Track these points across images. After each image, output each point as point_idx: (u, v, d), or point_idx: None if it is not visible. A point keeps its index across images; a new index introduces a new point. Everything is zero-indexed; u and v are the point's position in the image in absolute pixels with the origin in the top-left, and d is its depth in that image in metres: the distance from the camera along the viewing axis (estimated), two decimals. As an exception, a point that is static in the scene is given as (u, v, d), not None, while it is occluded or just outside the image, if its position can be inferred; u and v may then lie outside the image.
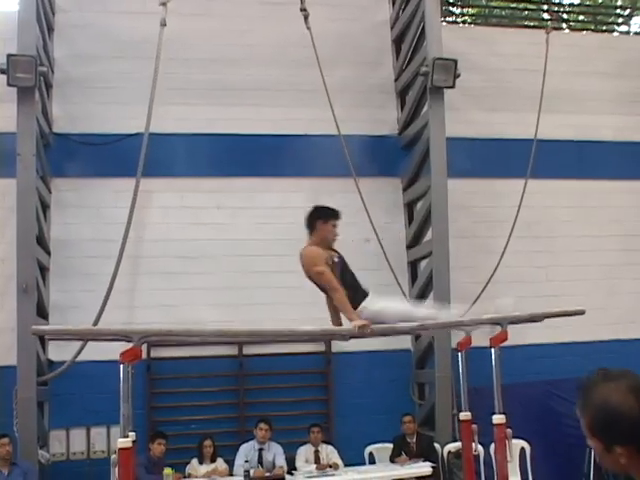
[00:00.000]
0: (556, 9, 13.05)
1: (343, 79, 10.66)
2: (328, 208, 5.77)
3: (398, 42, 11.24)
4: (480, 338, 5.41)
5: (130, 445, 4.30)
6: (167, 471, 8.19)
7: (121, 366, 4.27)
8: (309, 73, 10.13)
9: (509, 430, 5.19)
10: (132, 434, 4.46)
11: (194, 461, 8.90)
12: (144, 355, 9.15)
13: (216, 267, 10.02)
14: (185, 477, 8.59)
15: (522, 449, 9.41)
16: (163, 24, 9.22)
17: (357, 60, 10.99)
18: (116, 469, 4.46)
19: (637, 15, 13.49)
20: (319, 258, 5.36)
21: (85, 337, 6.72)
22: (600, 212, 11.30)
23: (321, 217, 5.65)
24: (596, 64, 11.81)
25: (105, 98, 10.12)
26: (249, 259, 10.06)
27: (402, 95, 11.12)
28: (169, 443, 8.81)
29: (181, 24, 10.04)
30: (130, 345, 4.30)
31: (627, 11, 13.42)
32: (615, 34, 13.14)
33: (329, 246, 5.59)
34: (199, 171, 10.25)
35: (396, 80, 11.16)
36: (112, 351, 4.46)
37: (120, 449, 4.27)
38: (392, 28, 11.30)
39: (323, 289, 5.53)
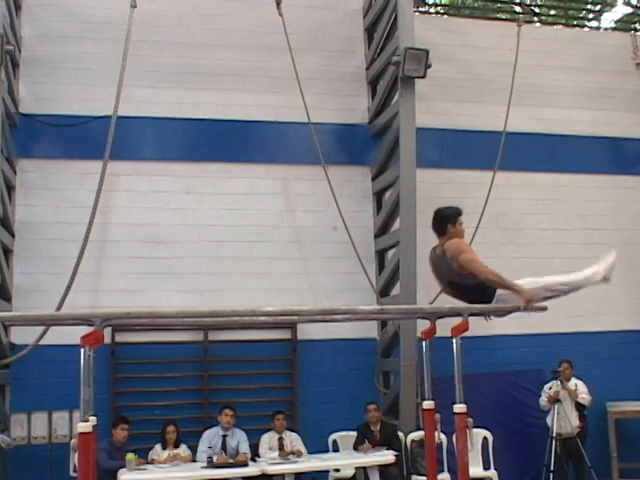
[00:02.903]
0: (528, 3, 13.10)
1: (314, 66, 10.64)
2: (451, 208, 5.81)
3: (370, 31, 11.21)
4: (442, 328, 5.44)
5: (90, 430, 4.25)
6: (129, 456, 8.13)
7: (82, 350, 4.22)
8: (280, 60, 10.12)
9: (470, 419, 5.24)
10: (93, 418, 4.41)
11: (157, 447, 8.86)
12: (109, 340, 9.22)
13: (183, 252, 9.96)
14: (148, 462, 8.55)
15: (485, 438, 9.50)
16: (133, 5, 9.20)
17: (329, 48, 10.96)
18: (76, 454, 4.40)
19: (608, 11, 13.60)
20: (464, 246, 5.50)
21: (45, 323, 6.64)
22: (566, 205, 11.41)
23: (450, 220, 5.70)
24: (566, 58, 11.91)
25: (73, 79, 9.97)
26: (217, 245, 10.03)
27: (373, 84, 11.11)
28: (132, 428, 8.77)
29: (152, 6, 9.98)
30: (92, 329, 4.26)
31: (598, 7, 13.51)
32: (586, 29, 13.22)
33: None
34: (167, 155, 10.17)
35: (367, 69, 11.13)
36: (75, 335, 4.41)
37: (80, 433, 4.22)
38: (364, 17, 11.27)
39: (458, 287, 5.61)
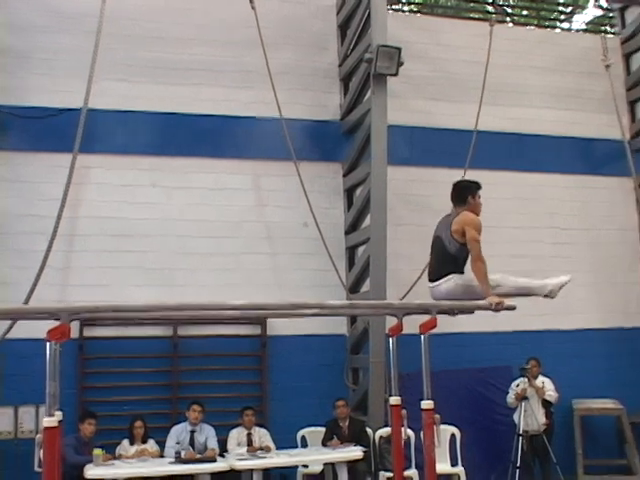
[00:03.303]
0: (501, 3, 13.19)
1: (287, 62, 10.63)
2: (471, 182, 6.23)
3: (343, 27, 11.21)
4: (411, 325, 5.47)
5: (56, 424, 4.22)
6: (97, 452, 8.09)
7: (48, 344, 4.20)
8: (253, 55, 10.10)
9: (437, 415, 5.26)
10: (59, 413, 4.38)
11: (125, 442, 8.82)
12: (76, 334, 9.16)
13: (152, 247, 9.90)
14: (115, 458, 8.51)
15: (452, 435, 9.57)
16: (105, -2, 9.09)
17: (302, 44, 10.96)
18: (42, 449, 4.37)
19: (579, 13, 13.72)
20: (480, 227, 5.79)
21: (12, 316, 6.56)
22: (535, 204, 11.51)
23: (471, 192, 6.04)
24: (538, 59, 12.02)
25: (43, 70, 9.84)
26: (185, 239, 9.99)
27: (345, 81, 11.11)
28: (100, 424, 8.72)
29: (123, -1, 9.89)
30: (58, 323, 4.24)
31: (569, 8, 13.63)
32: (557, 30, 13.34)
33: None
34: (137, 149, 10.07)
35: (340, 65, 11.14)
36: (43, 329, 4.38)
37: (45, 428, 4.20)
38: (338, 13, 11.27)
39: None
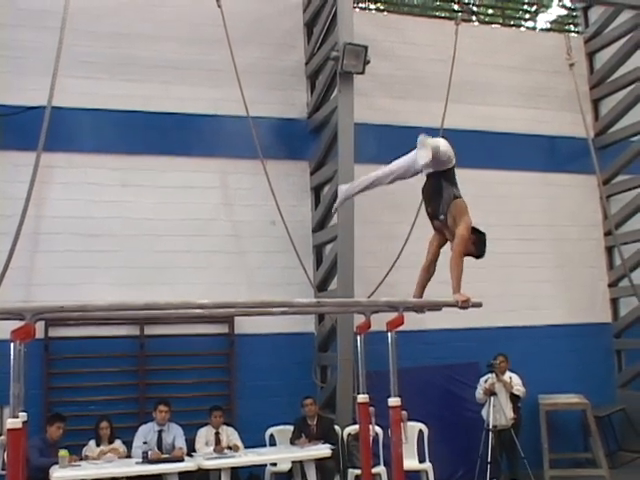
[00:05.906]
0: (466, 1, 13.27)
1: (254, 60, 10.60)
2: (485, 242, 6.25)
3: (310, 25, 11.21)
4: (379, 323, 5.49)
5: (20, 426, 4.17)
6: (62, 453, 8.02)
7: (12, 344, 4.15)
8: (220, 52, 10.05)
9: (404, 412, 5.29)
10: (23, 414, 4.32)
11: (91, 443, 8.74)
12: (42, 335, 9.05)
13: (119, 246, 9.82)
14: (81, 459, 8.43)
15: (420, 431, 9.61)
16: (69, -6, 8.98)
17: (268, 42, 10.94)
18: (6, 451, 4.32)
19: (543, 12, 13.84)
20: (470, 229, 5.96)
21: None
22: (501, 202, 11.59)
23: (478, 238, 6.14)
24: (503, 57, 12.11)
25: (5, 67, 9.68)
26: (153, 238, 9.92)
27: (312, 79, 11.11)
28: (66, 424, 8.64)
29: (88, -5, 9.77)
30: (22, 323, 4.19)
31: (534, 7, 13.75)
32: (522, 29, 13.45)
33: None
34: (104, 147, 9.97)
35: (307, 63, 11.13)
36: (7, 330, 4.33)
37: (9, 430, 4.14)
38: (304, 11, 11.26)
39: None
